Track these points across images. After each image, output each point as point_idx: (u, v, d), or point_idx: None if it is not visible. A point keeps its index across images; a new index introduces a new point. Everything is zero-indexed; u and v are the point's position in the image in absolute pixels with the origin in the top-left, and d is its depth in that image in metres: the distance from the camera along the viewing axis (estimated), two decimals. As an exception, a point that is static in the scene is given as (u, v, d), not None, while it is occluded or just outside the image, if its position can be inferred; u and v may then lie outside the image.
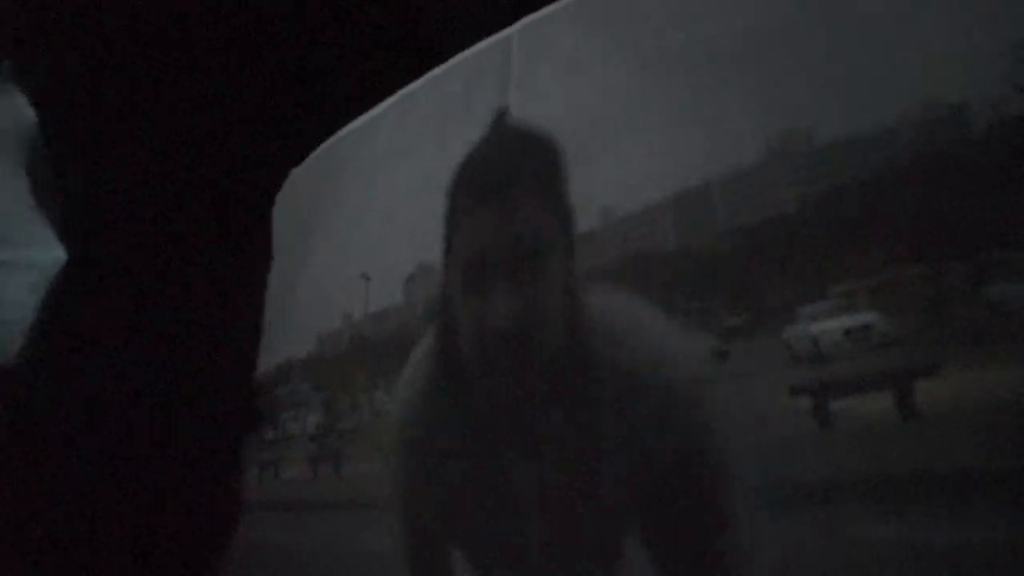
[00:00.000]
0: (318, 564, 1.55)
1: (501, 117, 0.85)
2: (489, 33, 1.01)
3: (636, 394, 0.81)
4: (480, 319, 0.79)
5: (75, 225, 1.27)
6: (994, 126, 0.70)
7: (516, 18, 1.01)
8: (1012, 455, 0.71)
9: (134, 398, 1.23)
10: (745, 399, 0.97)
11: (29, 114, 1.15)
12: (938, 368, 0.79)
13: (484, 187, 0.84)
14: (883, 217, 0.76)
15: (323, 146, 1.28)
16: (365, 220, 1.30)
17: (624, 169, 0.93)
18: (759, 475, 0.91)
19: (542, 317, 0.79)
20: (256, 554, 1.68)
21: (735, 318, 0.96)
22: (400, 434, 0.97)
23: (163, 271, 1.34)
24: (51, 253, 1.27)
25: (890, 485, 0.83)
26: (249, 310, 1.46)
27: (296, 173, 1.30)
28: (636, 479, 0.80)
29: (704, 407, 0.86)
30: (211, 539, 1.36)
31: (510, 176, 0.85)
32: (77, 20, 1.06)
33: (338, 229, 1.36)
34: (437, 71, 1.12)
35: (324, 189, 1.34)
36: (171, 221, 1.35)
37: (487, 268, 0.79)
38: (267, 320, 1.51)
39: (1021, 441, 0.70)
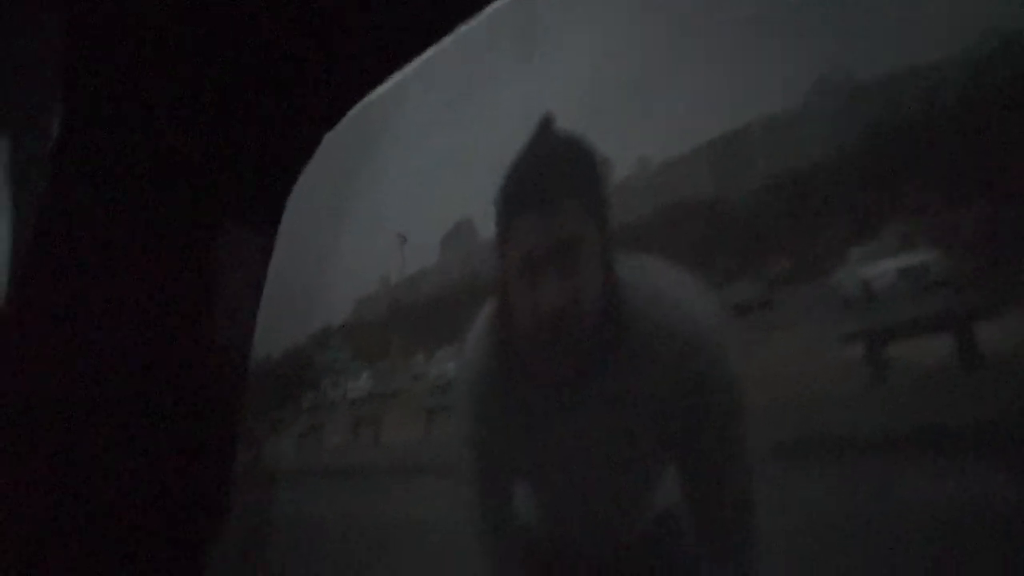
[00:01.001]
0: (357, 532, 1.59)
1: (547, 124, 0.92)
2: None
3: (669, 351, 0.86)
4: (531, 305, 0.90)
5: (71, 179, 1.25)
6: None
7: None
8: None
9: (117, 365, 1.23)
10: (792, 349, 0.94)
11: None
12: (999, 310, 0.74)
13: (532, 194, 0.92)
14: (938, 155, 0.71)
15: (354, 110, 1.25)
16: (400, 182, 1.28)
17: (658, 119, 0.90)
18: (806, 428, 0.89)
19: (582, 298, 0.88)
20: (301, 523, 1.73)
21: (780, 265, 0.92)
22: (468, 393, 1.05)
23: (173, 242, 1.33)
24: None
25: (949, 439, 0.80)
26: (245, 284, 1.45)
27: (330, 138, 1.28)
28: (669, 428, 0.89)
29: (732, 362, 0.89)
30: (200, 523, 1.38)
31: (554, 184, 0.94)
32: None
33: (373, 192, 1.34)
34: (463, 29, 1.09)
35: (359, 152, 1.32)
36: (195, 187, 1.34)
37: (535, 263, 0.89)
38: (296, 289, 1.52)
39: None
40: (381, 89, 1.23)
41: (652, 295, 0.90)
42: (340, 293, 1.46)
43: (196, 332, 1.42)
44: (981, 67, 0.68)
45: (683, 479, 0.90)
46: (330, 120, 1.29)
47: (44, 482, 1.17)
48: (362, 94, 1.24)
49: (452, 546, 1.30)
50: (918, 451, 0.83)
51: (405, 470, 1.54)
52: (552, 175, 0.94)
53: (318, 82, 1.28)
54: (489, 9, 1.00)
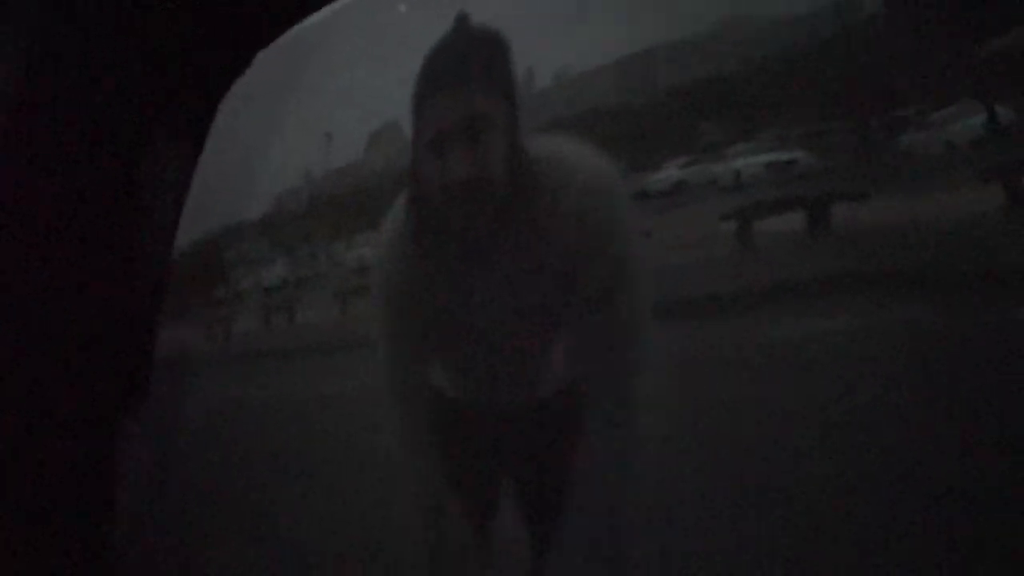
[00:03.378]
0: (274, 411, 1.67)
1: (463, 19, 0.96)
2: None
3: (570, 209, 0.98)
4: (442, 173, 0.95)
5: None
6: (886, 9, 0.85)
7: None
8: (902, 262, 0.92)
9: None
10: (681, 224, 1.14)
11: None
12: (851, 194, 0.98)
13: (446, 79, 0.97)
14: (813, 82, 0.91)
15: (291, 31, 1.24)
16: (329, 96, 1.31)
17: (576, 38, 1.03)
18: (691, 288, 1.10)
19: (489, 166, 0.95)
20: (209, 409, 1.77)
21: (673, 160, 1.11)
22: (385, 270, 1.13)
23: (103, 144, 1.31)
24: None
25: (798, 290, 1.04)
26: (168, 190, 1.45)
27: (263, 55, 1.27)
28: (567, 288, 1.01)
29: (625, 221, 1.03)
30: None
31: (466, 68, 0.98)
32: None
33: (303, 105, 1.36)
34: None
35: (293, 69, 1.32)
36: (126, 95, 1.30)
37: (446, 138, 0.94)
38: (220, 190, 1.51)
39: (912, 254, 0.91)
40: (317, 14, 1.23)
41: (557, 162, 1.01)
42: (261, 189, 1.48)
43: (118, 231, 1.41)
44: (843, 14, 0.88)
45: (575, 334, 1.06)
46: (262, 41, 1.27)
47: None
48: (293, 21, 1.24)
49: (366, 417, 1.41)
50: (772, 300, 1.08)
51: (320, 350, 1.63)
52: (464, 61, 1.02)
53: (252, 5, 1.25)
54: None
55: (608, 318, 1.03)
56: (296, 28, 1.21)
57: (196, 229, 1.59)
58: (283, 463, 1.61)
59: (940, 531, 0.85)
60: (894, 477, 0.88)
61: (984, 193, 0.91)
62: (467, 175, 0.92)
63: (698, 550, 1.00)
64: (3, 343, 1.26)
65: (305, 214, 1.53)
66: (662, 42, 1.03)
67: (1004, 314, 0.91)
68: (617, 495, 1.08)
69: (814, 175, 1.02)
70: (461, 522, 1.18)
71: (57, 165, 1.26)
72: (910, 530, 0.87)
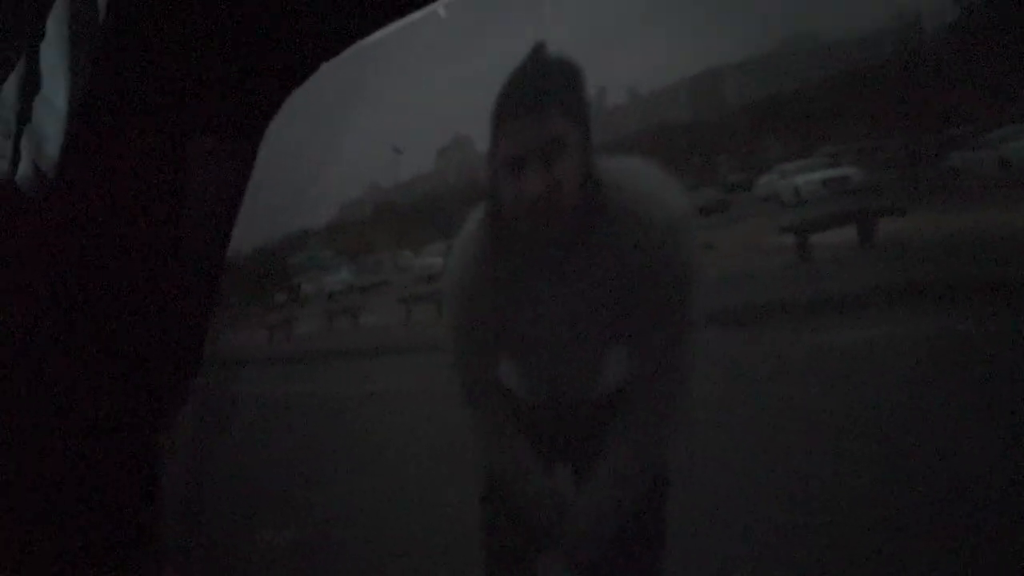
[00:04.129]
0: (329, 407, 1.74)
1: (539, 48, 1.10)
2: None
3: (640, 235, 1.09)
4: (517, 192, 1.11)
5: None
6: (940, 30, 0.93)
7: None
8: (949, 275, 0.98)
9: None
10: (741, 236, 1.21)
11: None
12: (903, 209, 1.04)
13: (524, 103, 1.16)
14: (869, 101, 0.98)
15: (359, 43, 1.36)
16: (397, 109, 1.41)
17: (647, 57, 1.12)
18: (750, 297, 1.17)
19: (564, 186, 1.09)
20: (265, 404, 1.84)
21: (737, 175, 1.18)
22: (459, 278, 1.25)
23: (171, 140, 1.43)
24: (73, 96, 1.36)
25: (850, 302, 1.10)
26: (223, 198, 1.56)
27: (328, 66, 1.39)
28: (631, 300, 1.12)
29: (693, 249, 1.13)
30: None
31: (544, 96, 1.13)
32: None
33: (371, 114, 1.46)
34: None
35: (360, 80, 1.44)
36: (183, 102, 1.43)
37: (523, 159, 1.09)
38: (279, 197, 1.62)
39: (959, 266, 0.97)
40: (385, 29, 1.35)
41: (629, 187, 1.11)
42: (325, 198, 1.58)
43: (167, 229, 1.52)
44: (901, 36, 0.95)
45: (632, 348, 1.14)
46: (326, 53, 1.39)
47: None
48: (362, 33, 1.36)
49: (428, 413, 1.48)
50: (828, 309, 1.14)
51: (380, 352, 1.70)
52: (541, 86, 1.14)
53: (314, 20, 1.38)
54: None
55: (663, 336, 1.13)
56: (362, 42, 1.33)
57: (259, 234, 1.70)
58: (337, 454, 1.68)
59: (995, 544, 0.86)
60: (947, 487, 0.89)
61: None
62: (541, 195, 1.06)
63: (739, 554, 1.05)
64: (53, 340, 1.38)
65: (372, 223, 1.63)
66: (730, 61, 1.11)
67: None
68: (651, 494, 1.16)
69: (868, 190, 1.09)
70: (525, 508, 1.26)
71: (114, 164, 1.39)
72: (963, 541, 0.90)
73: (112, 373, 1.53)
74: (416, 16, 1.36)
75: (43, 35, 1.54)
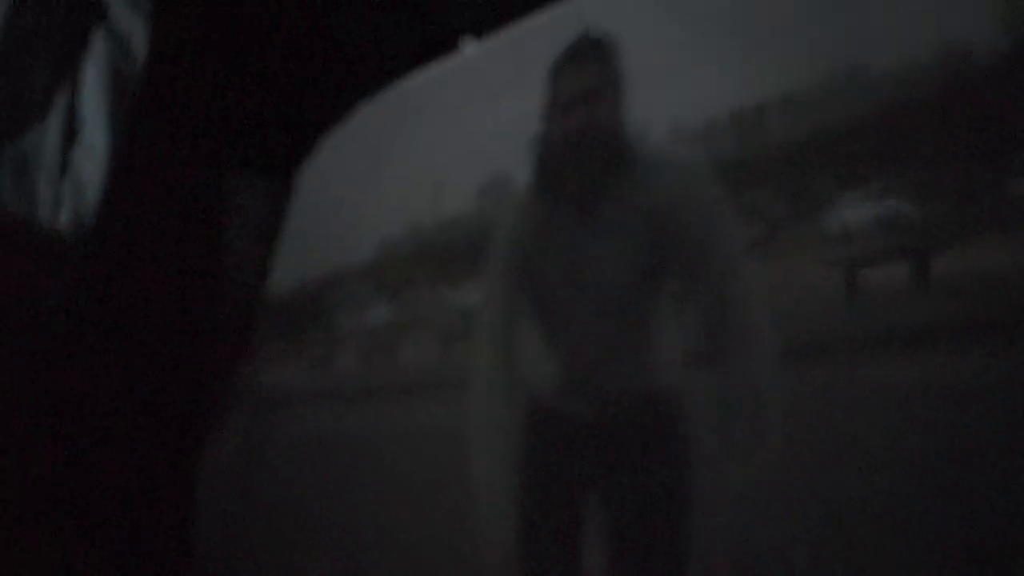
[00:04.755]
0: (370, 445, 1.73)
1: (585, 32, 1.19)
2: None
3: (668, 178, 1.15)
4: (564, 125, 1.20)
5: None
6: (993, 62, 0.91)
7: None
8: (1008, 316, 0.95)
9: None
10: (790, 271, 1.19)
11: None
12: (956, 244, 1.01)
13: (573, 59, 1.21)
14: (919, 133, 0.96)
15: (397, 87, 1.40)
16: (434, 151, 1.44)
17: (690, 94, 1.11)
18: (796, 333, 1.14)
19: (603, 123, 1.17)
20: (305, 443, 1.84)
21: (783, 209, 1.16)
22: (508, 228, 1.32)
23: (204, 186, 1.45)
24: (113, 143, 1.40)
25: (902, 338, 1.07)
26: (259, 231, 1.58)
27: (366, 108, 1.42)
28: (661, 242, 1.15)
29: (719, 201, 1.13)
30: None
31: (588, 56, 1.20)
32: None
33: (411, 154, 1.49)
34: (514, 31, 1.27)
35: (400, 121, 1.46)
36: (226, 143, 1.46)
37: (570, 100, 1.18)
38: (318, 234, 1.64)
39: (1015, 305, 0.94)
40: (424, 73, 1.38)
41: (654, 146, 1.19)
42: (364, 236, 1.60)
43: (204, 263, 1.54)
44: (954, 67, 0.93)
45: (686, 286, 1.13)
46: (361, 95, 1.42)
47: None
48: (392, 78, 1.39)
49: (459, 447, 1.46)
50: (880, 348, 1.11)
51: (419, 389, 1.70)
52: (587, 51, 1.21)
53: (358, 55, 1.41)
54: (541, 12, 1.18)
55: (703, 275, 1.16)
56: (403, 84, 1.36)
57: (300, 270, 1.71)
58: (368, 493, 1.67)
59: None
60: (991, 528, 0.88)
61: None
62: (585, 126, 1.18)
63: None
64: (94, 383, 1.39)
65: (411, 261, 1.64)
66: (775, 94, 1.10)
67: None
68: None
69: (919, 225, 1.07)
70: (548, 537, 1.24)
71: (153, 209, 1.41)
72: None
73: (151, 412, 1.54)
74: (450, 60, 1.39)
75: (81, 83, 1.60)
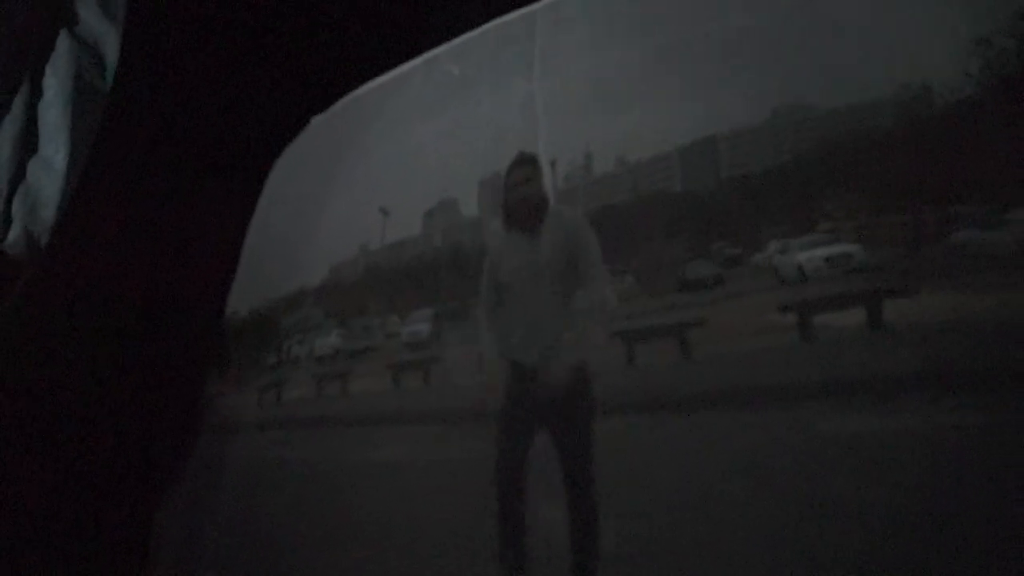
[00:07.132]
0: (322, 476, 1.69)
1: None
2: (515, 7, 1.11)
3: (567, 220, 1.53)
4: (516, 194, 1.53)
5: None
6: (952, 104, 0.86)
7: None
8: (964, 362, 0.89)
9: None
10: (736, 314, 1.14)
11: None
12: (909, 290, 0.96)
13: (520, 165, 1.55)
14: (867, 174, 0.91)
15: (348, 97, 1.34)
16: (385, 166, 1.40)
17: (637, 126, 1.06)
18: (745, 378, 1.09)
19: (537, 196, 1.52)
20: (257, 471, 1.79)
21: (733, 249, 1.11)
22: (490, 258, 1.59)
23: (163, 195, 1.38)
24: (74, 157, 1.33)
25: (858, 385, 1.01)
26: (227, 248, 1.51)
27: (318, 120, 1.36)
28: (567, 256, 1.49)
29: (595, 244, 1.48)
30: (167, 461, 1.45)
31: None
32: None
33: (358, 173, 1.45)
34: (468, 36, 1.21)
35: (348, 136, 1.42)
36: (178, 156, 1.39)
37: (519, 183, 1.50)
38: (271, 256, 1.58)
39: (972, 351, 0.89)
40: (374, 82, 1.32)
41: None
42: (316, 259, 1.55)
43: (166, 287, 1.47)
44: (904, 109, 0.88)
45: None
46: (320, 104, 1.36)
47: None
48: (352, 86, 1.33)
49: (411, 483, 1.41)
50: (833, 394, 1.05)
51: (369, 421, 1.65)
52: (526, 160, 1.19)
53: (312, 68, 1.35)
54: (494, 23, 1.12)
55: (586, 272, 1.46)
56: (352, 96, 1.30)
57: (252, 294, 1.65)
58: (318, 526, 1.63)
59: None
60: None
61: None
62: (527, 196, 1.53)
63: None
64: (50, 398, 1.30)
65: (361, 286, 1.64)
66: (722, 130, 1.05)
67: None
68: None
69: (868, 269, 1.02)
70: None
71: (113, 229, 1.33)
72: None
73: (110, 435, 1.45)
74: (406, 68, 1.33)
75: (42, 94, 1.53)
